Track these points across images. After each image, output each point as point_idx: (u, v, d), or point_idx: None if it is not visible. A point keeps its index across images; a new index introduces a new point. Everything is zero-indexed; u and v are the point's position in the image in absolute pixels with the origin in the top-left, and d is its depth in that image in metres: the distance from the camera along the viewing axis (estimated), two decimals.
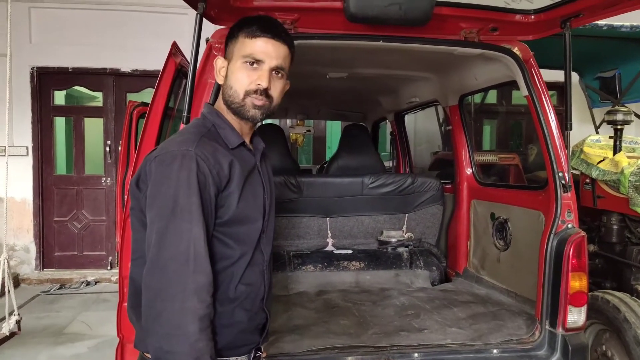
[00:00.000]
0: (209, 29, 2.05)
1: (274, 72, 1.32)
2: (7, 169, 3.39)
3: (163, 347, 1.10)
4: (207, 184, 1.19)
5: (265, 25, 1.31)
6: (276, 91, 1.33)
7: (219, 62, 1.37)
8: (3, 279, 3.17)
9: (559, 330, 2.16)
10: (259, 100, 1.30)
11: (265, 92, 1.30)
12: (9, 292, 3.19)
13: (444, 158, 5.39)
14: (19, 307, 5.03)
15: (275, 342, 2.15)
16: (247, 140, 1.38)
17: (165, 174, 1.16)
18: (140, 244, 1.27)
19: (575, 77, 4.97)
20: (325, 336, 2.24)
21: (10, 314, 3.21)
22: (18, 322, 3.25)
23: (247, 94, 1.29)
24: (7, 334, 3.18)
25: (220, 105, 1.36)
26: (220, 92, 1.36)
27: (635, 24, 3.95)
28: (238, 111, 1.31)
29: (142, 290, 1.15)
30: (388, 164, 5.32)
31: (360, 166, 3.53)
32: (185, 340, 1.09)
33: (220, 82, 1.36)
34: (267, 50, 1.29)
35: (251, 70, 1.29)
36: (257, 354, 1.38)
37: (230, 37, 1.35)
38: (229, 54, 1.34)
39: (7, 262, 3.21)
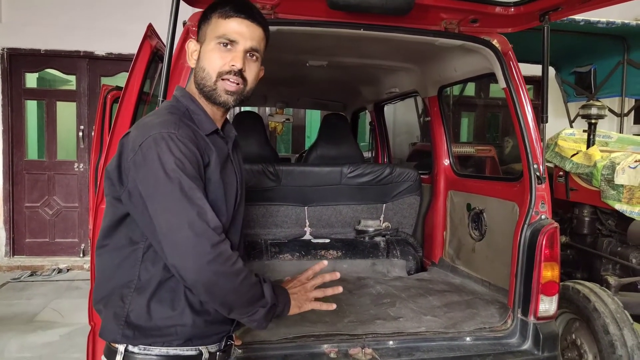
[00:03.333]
0: (186, 11, 2.01)
1: (248, 55, 1.28)
2: None
3: (248, 312, 1.19)
4: (197, 163, 1.17)
5: (239, 5, 1.27)
6: (251, 74, 1.30)
7: (192, 45, 1.33)
8: None
9: (531, 319, 2.21)
10: (232, 85, 1.26)
11: (240, 74, 1.26)
12: None
13: (422, 149, 5.43)
14: None
15: (250, 330, 2.13)
16: (220, 127, 1.35)
17: (155, 160, 1.12)
18: (110, 231, 1.24)
19: (551, 71, 5.05)
20: (301, 324, 2.24)
21: None
22: None
23: (220, 75, 1.26)
24: None
25: (192, 89, 1.32)
26: (192, 76, 1.32)
27: (611, 20, 4.02)
28: (209, 95, 1.28)
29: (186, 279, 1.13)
30: (367, 154, 5.33)
31: (339, 156, 3.53)
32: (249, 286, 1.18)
33: (193, 65, 1.32)
34: (242, 30, 1.26)
35: (225, 51, 1.26)
36: (228, 342, 1.37)
37: (203, 19, 1.32)
38: (202, 37, 1.31)
39: None
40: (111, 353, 1.23)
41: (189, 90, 1.33)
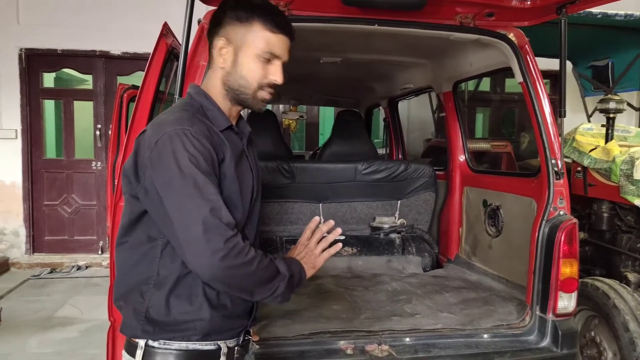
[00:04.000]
0: (201, 10, 2.02)
1: None
2: None
3: (269, 291, 1.20)
4: (212, 160, 1.18)
5: (284, 21, 1.30)
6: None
7: (220, 43, 1.29)
8: None
9: (549, 316, 2.18)
10: (270, 95, 1.32)
11: (275, 86, 1.32)
12: None
13: (436, 145, 5.39)
14: (9, 292, 5.03)
15: (267, 327, 2.15)
16: (234, 124, 1.36)
17: (170, 157, 1.13)
18: (128, 228, 1.26)
19: (568, 65, 4.97)
20: (317, 321, 2.25)
21: None
22: None
23: (260, 87, 1.29)
24: None
25: (212, 85, 1.32)
26: (218, 74, 1.31)
27: (629, 12, 3.95)
28: (244, 101, 1.31)
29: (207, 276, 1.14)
30: (381, 150, 5.31)
31: (353, 152, 3.52)
32: (272, 266, 1.20)
33: (222, 65, 1.29)
34: (285, 47, 1.30)
35: (266, 63, 1.29)
36: (246, 337, 1.38)
37: (237, 17, 1.27)
38: (237, 38, 1.27)
39: None
40: (131, 348, 1.25)
41: (205, 86, 1.34)
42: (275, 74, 1.29)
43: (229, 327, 1.29)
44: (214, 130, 1.25)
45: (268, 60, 1.28)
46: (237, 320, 1.31)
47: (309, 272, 1.34)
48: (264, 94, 1.31)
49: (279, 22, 1.28)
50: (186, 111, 1.25)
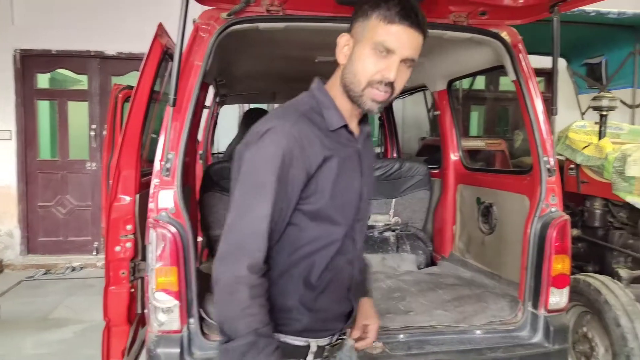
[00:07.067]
0: (196, 10, 2.02)
1: (402, 62, 1.17)
2: None
3: (220, 313, 1.13)
4: (293, 165, 1.12)
5: (405, 10, 1.15)
6: (400, 83, 1.20)
7: (343, 40, 1.23)
8: None
9: (541, 312, 2.20)
10: (381, 95, 1.18)
11: (391, 84, 1.17)
12: None
13: (431, 144, 5.41)
14: (3, 293, 5.01)
15: None
16: (355, 123, 1.27)
17: (256, 148, 1.13)
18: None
19: (563, 63, 5.00)
20: None
21: None
22: None
23: (370, 84, 1.17)
24: None
25: (333, 83, 1.26)
26: (339, 72, 1.25)
27: (622, 10, 3.98)
28: (355, 100, 1.21)
29: None
30: (376, 149, 5.32)
31: None
32: (237, 305, 1.08)
33: (342, 61, 1.23)
34: (402, 39, 1.15)
35: (380, 58, 1.16)
36: (339, 338, 1.34)
37: (361, 14, 1.19)
38: (357, 34, 1.19)
39: None
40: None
41: (328, 84, 1.28)
42: (388, 70, 1.15)
43: (323, 328, 1.26)
44: (317, 134, 1.18)
45: (383, 56, 1.15)
46: (333, 323, 1.28)
47: None
48: (375, 93, 1.17)
49: (399, 11, 1.14)
50: (296, 110, 1.20)
